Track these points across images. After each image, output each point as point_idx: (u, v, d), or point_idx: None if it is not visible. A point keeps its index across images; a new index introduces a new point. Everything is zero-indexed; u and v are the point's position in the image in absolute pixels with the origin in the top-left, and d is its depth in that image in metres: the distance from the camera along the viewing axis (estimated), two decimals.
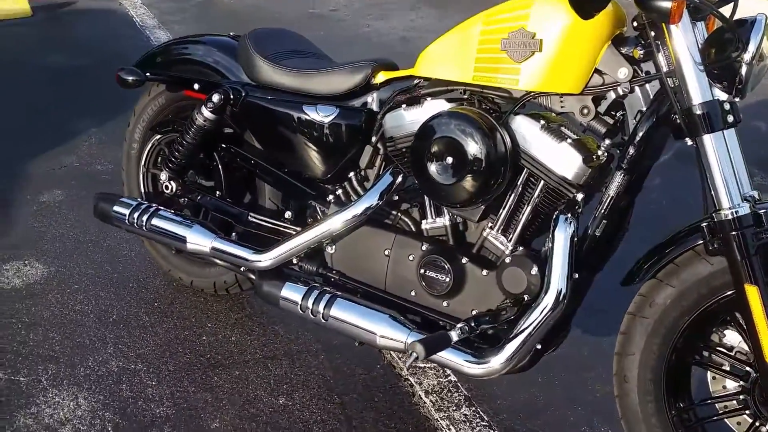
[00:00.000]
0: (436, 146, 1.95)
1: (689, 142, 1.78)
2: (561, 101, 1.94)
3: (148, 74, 2.54)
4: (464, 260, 2.05)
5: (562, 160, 1.88)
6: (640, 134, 1.82)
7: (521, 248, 2.01)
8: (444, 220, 2.11)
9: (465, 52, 1.99)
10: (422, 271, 2.08)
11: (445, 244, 2.12)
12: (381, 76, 2.23)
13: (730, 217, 1.68)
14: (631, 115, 1.87)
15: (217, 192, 2.57)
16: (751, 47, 1.68)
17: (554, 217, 1.92)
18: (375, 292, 2.20)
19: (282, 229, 2.42)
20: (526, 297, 1.96)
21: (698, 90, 1.70)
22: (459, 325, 1.92)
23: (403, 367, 2.47)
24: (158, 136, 2.69)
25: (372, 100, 2.24)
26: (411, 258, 2.13)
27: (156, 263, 2.90)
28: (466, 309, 2.07)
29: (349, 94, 2.26)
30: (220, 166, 2.54)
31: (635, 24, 1.83)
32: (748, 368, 1.82)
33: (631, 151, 1.83)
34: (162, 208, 2.52)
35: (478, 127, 1.90)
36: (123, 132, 2.83)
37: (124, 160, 2.86)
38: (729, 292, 1.76)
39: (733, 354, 1.86)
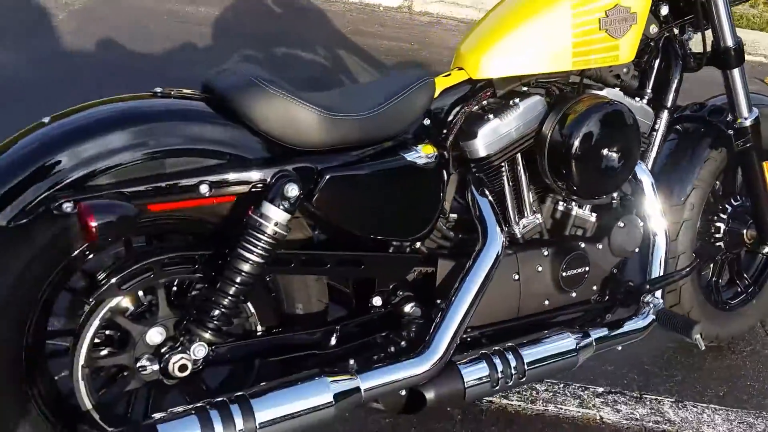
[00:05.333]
0: (599, 142, 1.88)
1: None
2: (610, 69, 2.04)
3: None
4: (581, 244, 2.04)
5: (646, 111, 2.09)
6: (677, 77, 2.14)
7: (618, 210, 2.11)
8: (537, 215, 1.99)
9: (555, 39, 1.88)
10: (563, 273, 1.98)
11: (556, 238, 2.03)
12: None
13: (750, 123, 2.22)
14: (655, 65, 2.12)
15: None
16: None
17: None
18: (510, 325, 1.97)
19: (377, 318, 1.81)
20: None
21: (732, 32, 2.12)
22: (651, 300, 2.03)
23: None
24: None
25: (428, 122, 1.83)
26: (540, 269, 1.98)
27: None
28: (589, 290, 2.08)
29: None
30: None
31: None
32: None
33: (673, 92, 2.15)
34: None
35: (622, 108, 1.92)
36: None
37: None
38: None
39: None
